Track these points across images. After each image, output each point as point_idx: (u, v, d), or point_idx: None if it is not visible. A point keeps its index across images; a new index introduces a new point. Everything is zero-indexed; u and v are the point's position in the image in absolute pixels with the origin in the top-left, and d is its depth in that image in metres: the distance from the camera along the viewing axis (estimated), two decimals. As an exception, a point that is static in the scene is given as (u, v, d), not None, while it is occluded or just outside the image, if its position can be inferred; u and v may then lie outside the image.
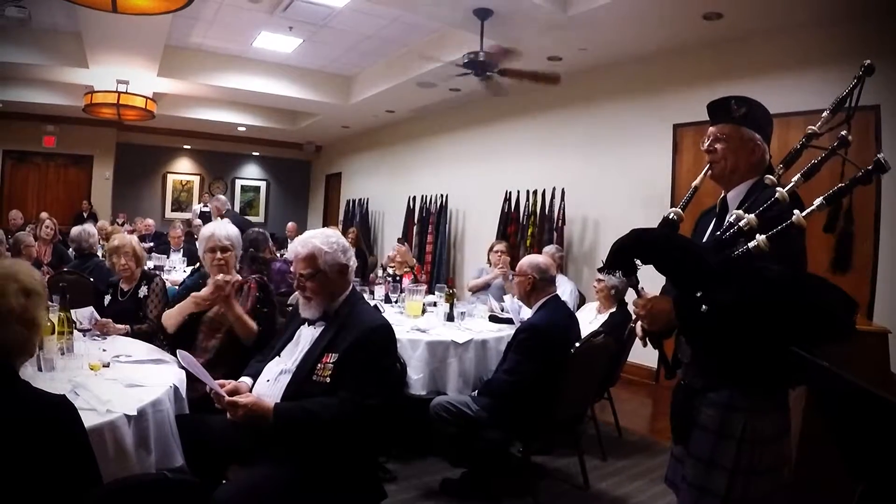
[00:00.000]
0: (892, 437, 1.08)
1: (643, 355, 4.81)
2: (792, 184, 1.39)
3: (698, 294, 1.36)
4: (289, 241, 7.94)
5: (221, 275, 2.51)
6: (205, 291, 2.50)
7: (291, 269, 2.09)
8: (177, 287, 3.83)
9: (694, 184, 1.65)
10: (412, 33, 6.18)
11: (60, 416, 1.19)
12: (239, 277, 2.60)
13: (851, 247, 1.42)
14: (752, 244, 1.31)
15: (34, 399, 1.19)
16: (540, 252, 4.91)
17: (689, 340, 1.51)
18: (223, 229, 2.68)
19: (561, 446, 3.20)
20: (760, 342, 1.35)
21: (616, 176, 5.69)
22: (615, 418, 3.74)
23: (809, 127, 1.51)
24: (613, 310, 3.56)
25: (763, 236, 1.31)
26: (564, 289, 4.22)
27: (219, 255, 2.61)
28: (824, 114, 1.49)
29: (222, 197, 7.19)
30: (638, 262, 1.44)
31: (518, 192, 6.60)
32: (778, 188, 1.39)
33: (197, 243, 2.84)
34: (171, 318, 2.60)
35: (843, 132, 1.41)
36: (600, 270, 1.51)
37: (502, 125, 7.31)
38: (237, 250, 2.71)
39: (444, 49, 5.70)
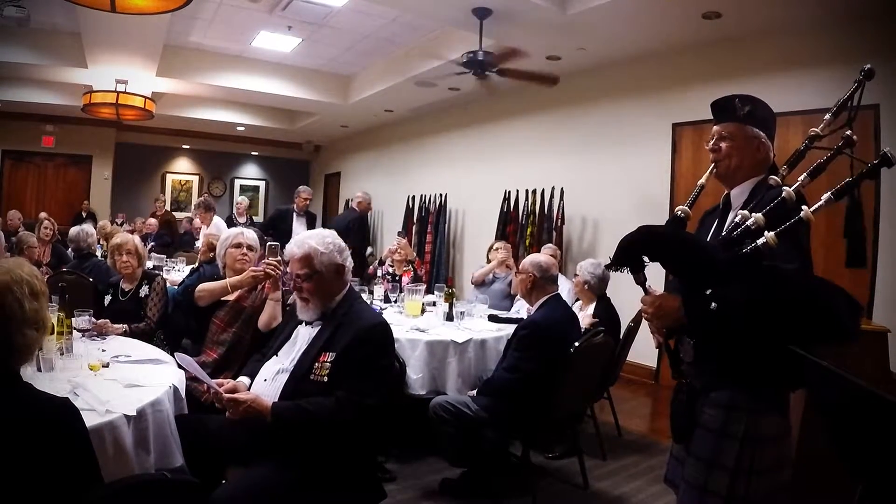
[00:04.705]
0: (892, 436, 1.08)
1: (643, 355, 4.82)
2: (798, 183, 1.39)
3: (708, 292, 1.35)
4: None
5: (258, 266, 2.63)
6: (242, 276, 2.64)
7: (287, 269, 2.09)
8: (176, 287, 3.83)
9: (700, 182, 1.65)
10: (411, 33, 6.18)
11: (63, 418, 1.19)
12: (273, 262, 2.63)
13: (863, 242, 1.42)
14: (760, 241, 1.31)
15: (37, 401, 1.18)
16: (539, 252, 4.89)
17: (696, 339, 1.50)
18: (250, 232, 2.89)
19: (560, 445, 3.20)
20: (767, 341, 1.34)
21: (615, 175, 5.69)
22: (615, 418, 3.75)
23: (812, 129, 1.51)
24: (594, 305, 3.54)
25: (772, 233, 1.30)
26: (562, 288, 4.21)
27: (244, 250, 2.77)
28: (826, 116, 1.50)
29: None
30: (646, 259, 1.43)
31: (517, 191, 6.60)
32: (784, 187, 1.39)
33: (218, 242, 2.92)
34: (206, 292, 2.70)
35: (848, 132, 1.41)
36: (608, 267, 1.49)
37: (501, 125, 7.30)
38: (256, 255, 2.84)
39: (442, 48, 5.70)
